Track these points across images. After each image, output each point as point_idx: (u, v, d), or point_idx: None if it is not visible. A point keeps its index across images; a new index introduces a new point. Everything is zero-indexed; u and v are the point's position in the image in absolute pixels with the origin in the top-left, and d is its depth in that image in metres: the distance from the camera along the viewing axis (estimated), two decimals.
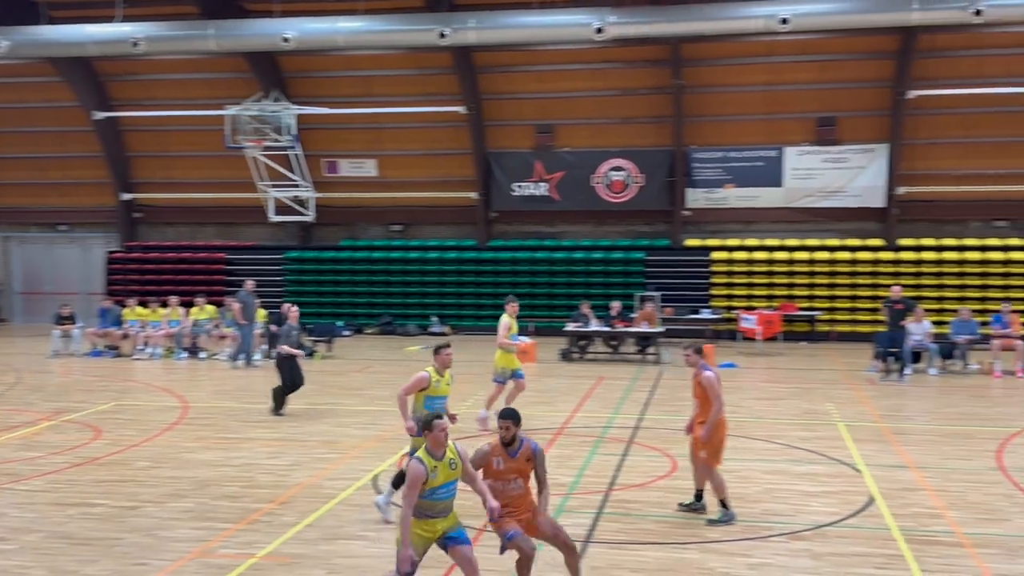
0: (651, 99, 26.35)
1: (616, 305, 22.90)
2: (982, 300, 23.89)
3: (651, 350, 22.15)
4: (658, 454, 12.83)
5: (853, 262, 25.14)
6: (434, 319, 27.71)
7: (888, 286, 24.07)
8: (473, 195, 27.96)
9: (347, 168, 29.07)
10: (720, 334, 24.97)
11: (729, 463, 12.37)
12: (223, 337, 22.76)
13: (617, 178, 26.86)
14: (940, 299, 24.25)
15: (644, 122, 26.71)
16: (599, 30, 22.87)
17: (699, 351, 9.83)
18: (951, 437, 13.81)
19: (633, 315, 23.15)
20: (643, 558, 8.91)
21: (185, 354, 22.80)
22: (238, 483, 11.18)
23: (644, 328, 22.11)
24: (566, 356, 21.90)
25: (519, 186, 27.71)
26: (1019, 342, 19.58)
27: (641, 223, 27.60)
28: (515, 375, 14.63)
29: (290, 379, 15.43)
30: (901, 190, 25.12)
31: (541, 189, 27.56)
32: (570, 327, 22.34)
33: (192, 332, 23.09)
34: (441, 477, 7.06)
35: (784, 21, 21.95)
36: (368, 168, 28.88)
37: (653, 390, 17.97)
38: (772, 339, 23.44)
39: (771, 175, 26.02)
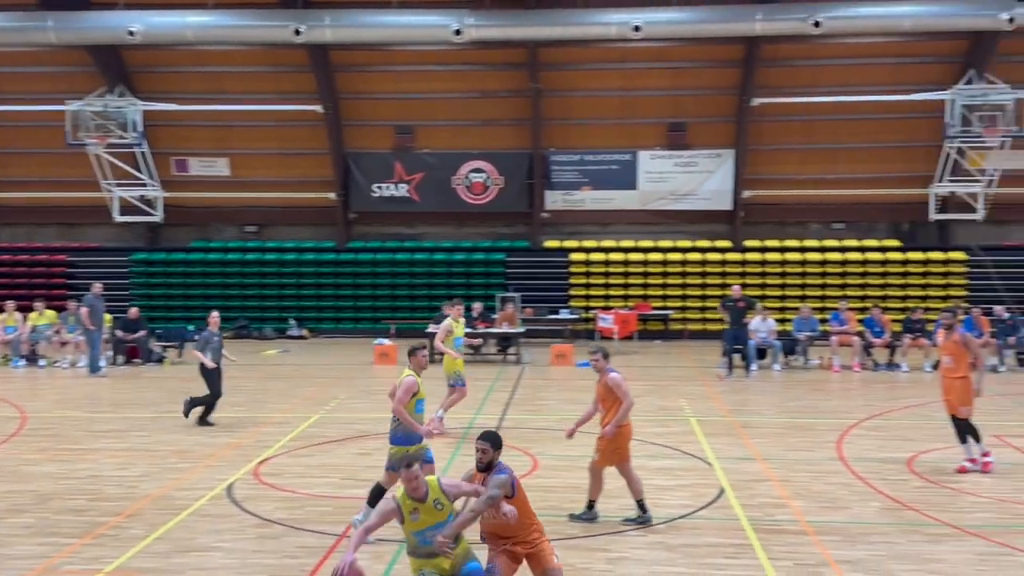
0: (510, 102, 26.59)
1: (478, 306, 23.01)
2: (822, 299, 25.17)
3: (512, 350, 22.35)
4: (520, 453, 12.94)
5: (703, 263, 26.06)
6: (292, 322, 27.13)
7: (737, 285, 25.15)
8: (331, 196, 27.54)
9: (197, 167, 28.11)
10: (578, 334, 25.43)
11: (587, 460, 12.63)
12: (64, 343, 21.65)
13: (477, 180, 27.00)
14: (783, 298, 25.43)
15: (503, 124, 26.94)
16: (457, 32, 22.92)
17: (606, 356, 10.13)
18: (795, 429, 14.48)
19: (494, 316, 23.31)
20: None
21: (23, 361, 21.57)
22: (83, 496, 10.65)
23: (505, 329, 22.29)
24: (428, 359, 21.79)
25: (379, 187, 27.47)
26: (855, 338, 20.75)
27: (501, 224, 27.82)
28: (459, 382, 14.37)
29: (217, 388, 14.75)
30: (747, 194, 26.21)
31: (401, 190, 27.40)
32: (432, 329, 22.28)
33: (30, 338, 21.88)
34: (426, 518, 6.85)
35: (636, 28, 22.58)
36: (220, 167, 28.01)
37: (514, 390, 18.13)
38: (628, 338, 24.04)
39: (626, 178, 26.69)
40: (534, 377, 19.92)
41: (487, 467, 7.22)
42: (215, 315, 15.45)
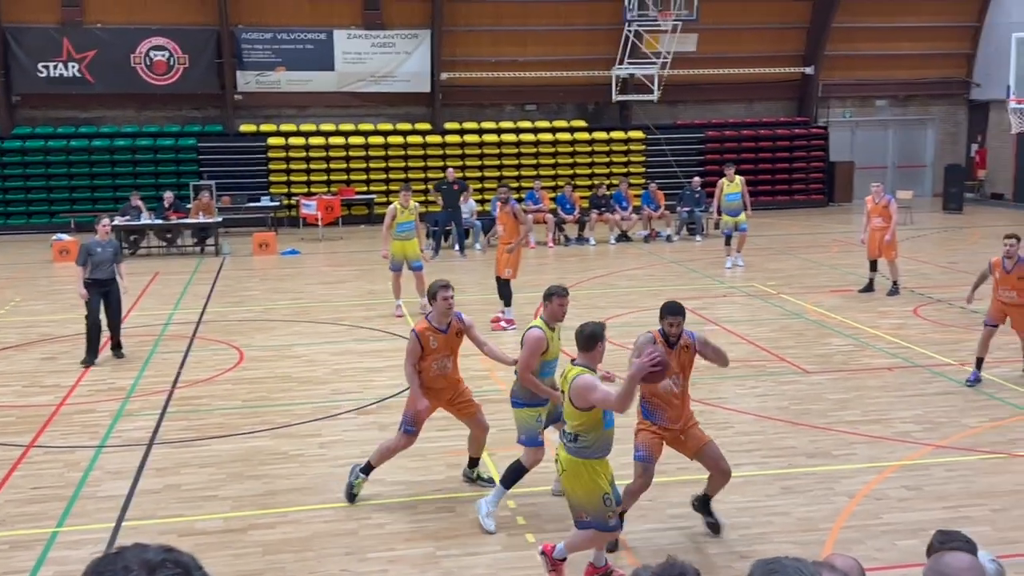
0: None
1: (169, 196, 21.72)
2: (518, 179, 26.13)
3: (210, 241, 21.43)
4: (224, 347, 12.62)
5: (405, 146, 26.10)
6: None
7: (438, 168, 25.49)
8: None
9: None
10: (281, 221, 24.77)
11: (298, 347, 12.56)
12: None
13: (159, 58, 25.01)
14: (482, 179, 26.14)
15: None
16: None
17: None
18: (496, 304, 15.15)
19: (188, 206, 22.12)
20: (214, 451, 8.82)
21: None
22: None
23: (201, 219, 21.26)
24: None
25: (45, 67, 24.70)
26: (549, 215, 21.86)
27: (190, 108, 26.14)
28: (412, 267, 14.22)
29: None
30: (444, 76, 26.37)
31: (72, 70, 24.82)
32: (119, 221, 20.78)
33: None
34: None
35: None
36: None
37: (215, 283, 17.49)
38: (333, 224, 23.79)
39: (323, 59, 25.85)
40: (235, 268, 19.31)
41: (677, 338, 6.75)
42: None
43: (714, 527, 7.03)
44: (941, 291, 15.19)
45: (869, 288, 15.34)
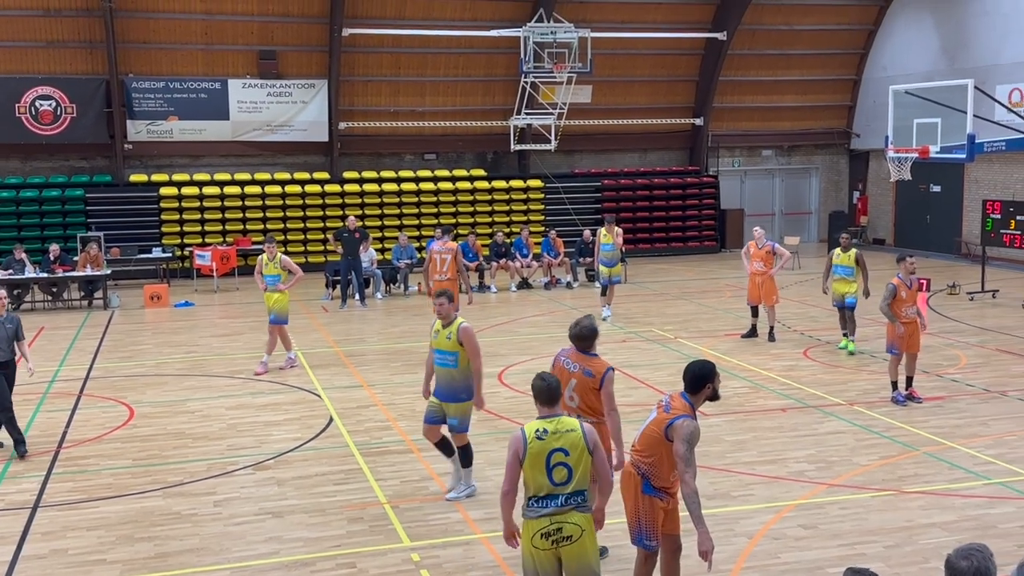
0: (79, 21, 24.12)
1: (55, 248, 20.95)
2: (418, 227, 26.14)
3: (98, 294, 20.72)
4: (113, 403, 12.16)
5: (303, 195, 25.83)
6: None
7: (336, 217, 25.29)
8: None
9: None
10: (174, 273, 24.15)
11: (192, 403, 12.19)
12: None
13: (45, 108, 24.28)
14: (382, 228, 26.04)
15: (73, 47, 24.39)
16: None
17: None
18: (398, 354, 15.04)
19: (75, 258, 21.36)
20: (103, 513, 8.45)
21: None
22: None
23: (89, 271, 20.56)
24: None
25: None
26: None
27: (78, 158, 25.39)
28: (270, 319, 13.90)
29: None
30: (342, 125, 26.29)
31: None
32: (2, 275, 19.94)
33: None
34: None
35: None
36: None
37: (103, 337, 16.89)
38: (228, 274, 23.31)
39: (217, 108, 25.49)
40: (126, 322, 18.70)
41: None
42: None
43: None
44: (829, 333, 15.70)
45: (752, 333, 15.72)
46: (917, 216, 27.40)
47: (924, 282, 12.15)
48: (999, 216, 19.89)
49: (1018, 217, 19.42)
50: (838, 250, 14.68)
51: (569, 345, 7.23)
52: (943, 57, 25.95)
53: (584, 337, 7.09)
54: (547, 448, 5.45)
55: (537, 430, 5.53)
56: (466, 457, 8.68)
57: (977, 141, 15.77)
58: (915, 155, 16.38)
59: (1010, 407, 11.43)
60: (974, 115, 15.34)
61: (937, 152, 15.99)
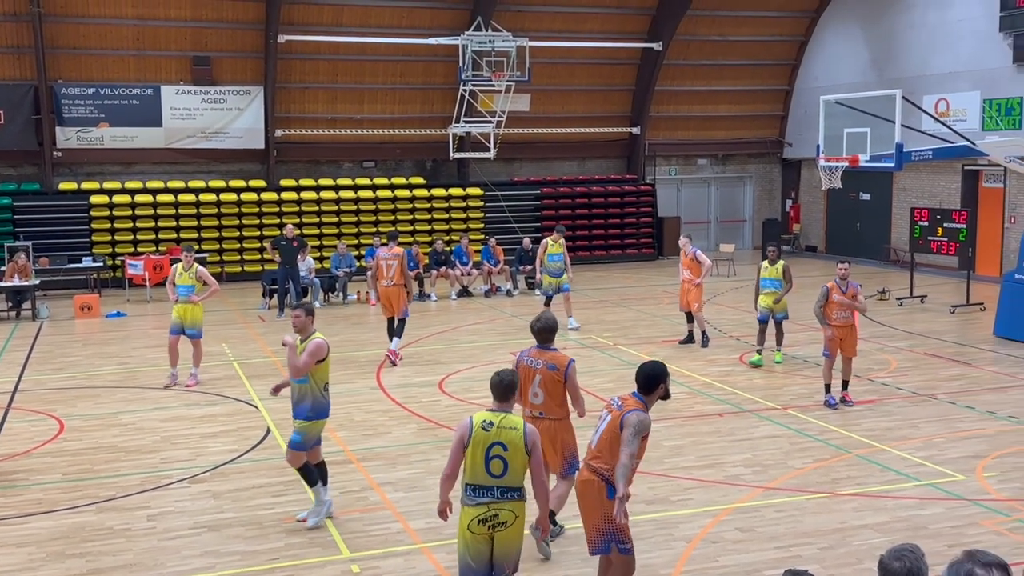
0: (7, 26, 23.46)
1: None
2: (357, 235, 25.95)
3: (26, 305, 20.17)
4: (42, 417, 11.85)
5: (239, 203, 25.48)
6: None
7: (273, 226, 25.00)
8: None
9: None
10: (105, 282, 23.62)
11: (124, 415, 11.93)
12: None
13: None
14: (320, 236, 25.80)
15: (1, 52, 23.77)
16: None
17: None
18: (337, 363, 14.85)
19: (2, 268, 20.78)
20: (32, 529, 8.23)
21: None
22: None
23: (16, 282, 20.01)
24: None
25: None
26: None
27: (5, 165, 24.71)
28: (187, 333, 13.41)
29: None
30: (279, 132, 26.00)
31: None
32: None
33: None
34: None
35: None
36: None
37: (32, 348, 16.45)
38: (161, 284, 22.85)
39: (150, 115, 25.01)
40: (55, 333, 18.24)
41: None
42: None
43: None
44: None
45: (689, 339, 15.92)
46: (848, 223, 28.02)
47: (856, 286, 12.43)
48: (927, 223, 20.43)
49: (945, 224, 19.98)
50: (766, 263, 14.50)
51: (528, 346, 7.60)
52: (872, 68, 26.60)
53: (550, 329, 7.70)
54: (489, 440, 5.75)
55: (483, 420, 5.84)
56: (311, 476, 8.28)
57: (905, 150, 16.14)
58: (845, 164, 16.74)
59: (939, 410, 11.73)
60: (902, 125, 15.72)
61: (867, 161, 16.36)
